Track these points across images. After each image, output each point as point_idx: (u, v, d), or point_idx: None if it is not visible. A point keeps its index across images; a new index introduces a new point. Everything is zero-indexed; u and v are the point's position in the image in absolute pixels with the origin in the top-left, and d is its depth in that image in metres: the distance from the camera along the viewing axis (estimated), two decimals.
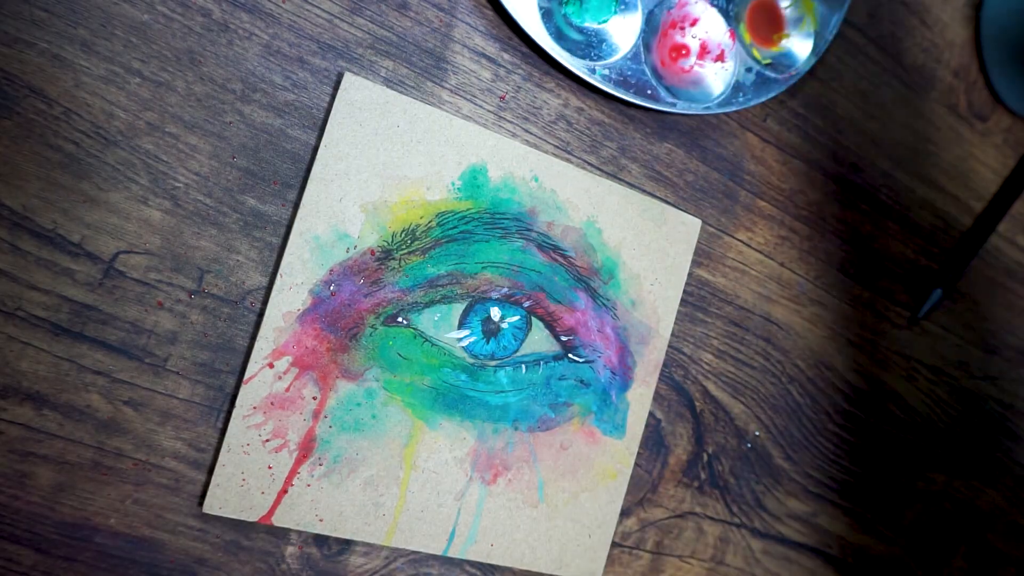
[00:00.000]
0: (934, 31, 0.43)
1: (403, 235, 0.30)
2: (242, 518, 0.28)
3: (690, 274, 0.37)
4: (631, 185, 0.35)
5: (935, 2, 0.43)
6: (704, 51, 0.35)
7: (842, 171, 0.41)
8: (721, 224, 0.37)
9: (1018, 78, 0.44)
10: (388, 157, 0.30)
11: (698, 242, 0.37)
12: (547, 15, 0.32)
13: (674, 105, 0.34)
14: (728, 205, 0.38)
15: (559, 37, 0.32)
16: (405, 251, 0.30)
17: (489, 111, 0.32)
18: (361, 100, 0.29)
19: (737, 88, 0.35)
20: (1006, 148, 0.47)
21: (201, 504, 0.28)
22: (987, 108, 0.46)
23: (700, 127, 0.37)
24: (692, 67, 0.35)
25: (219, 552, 0.28)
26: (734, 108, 0.35)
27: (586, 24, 0.33)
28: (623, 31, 0.33)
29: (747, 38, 0.36)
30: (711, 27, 0.35)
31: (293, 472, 0.29)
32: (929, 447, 0.46)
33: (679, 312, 0.36)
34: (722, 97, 0.35)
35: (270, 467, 0.28)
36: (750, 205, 0.38)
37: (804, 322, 0.40)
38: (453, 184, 0.31)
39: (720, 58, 0.35)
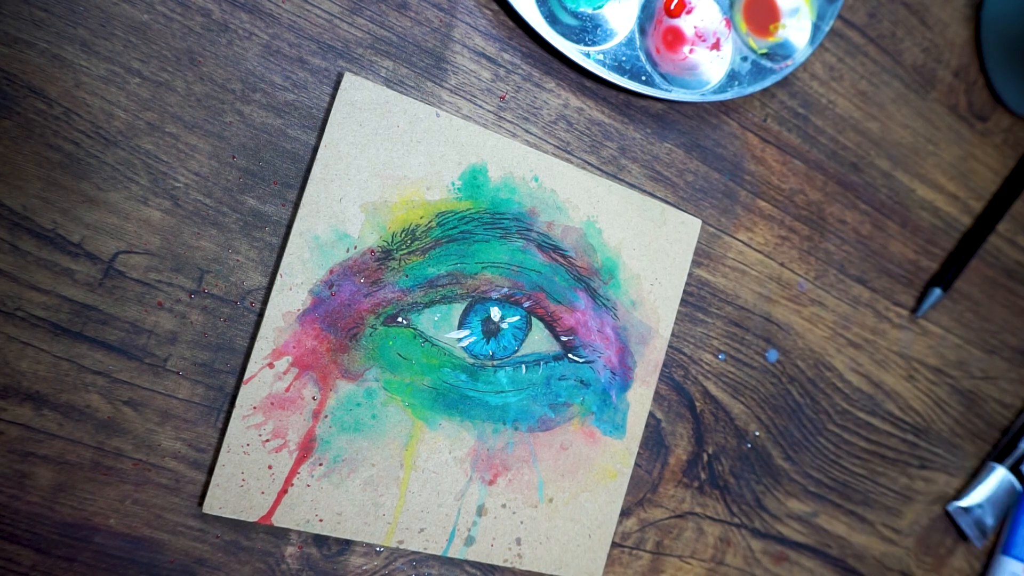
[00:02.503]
0: (934, 31, 0.43)
1: (403, 235, 0.30)
2: (242, 518, 0.28)
3: (690, 274, 0.37)
4: (631, 185, 0.35)
5: (935, 2, 0.43)
6: (699, 39, 0.35)
7: (842, 171, 0.41)
8: (721, 224, 0.37)
9: (1018, 78, 0.44)
10: (388, 157, 0.30)
11: (698, 242, 0.37)
12: (541, 0, 0.32)
13: (669, 92, 0.34)
14: (728, 205, 0.38)
15: (553, 21, 0.32)
16: (405, 251, 0.30)
17: (489, 111, 0.32)
18: (361, 100, 0.29)
19: (732, 77, 0.35)
20: (1006, 148, 0.47)
21: (201, 504, 0.28)
22: (987, 108, 0.46)
23: (700, 127, 0.37)
24: (687, 55, 0.35)
25: (219, 552, 0.28)
26: (729, 96, 0.35)
27: (581, 9, 0.33)
28: (618, 17, 0.33)
29: (743, 27, 0.36)
30: (707, 15, 0.35)
31: (293, 472, 0.29)
32: (929, 447, 0.46)
33: (679, 312, 0.36)
34: (717, 85, 0.35)
35: (270, 467, 0.28)
36: (750, 205, 0.38)
37: (804, 322, 0.40)
38: (453, 184, 0.31)
39: (715, 46, 0.35)
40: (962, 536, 0.47)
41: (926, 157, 0.44)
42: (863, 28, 0.41)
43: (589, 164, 0.34)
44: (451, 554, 0.31)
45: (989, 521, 0.46)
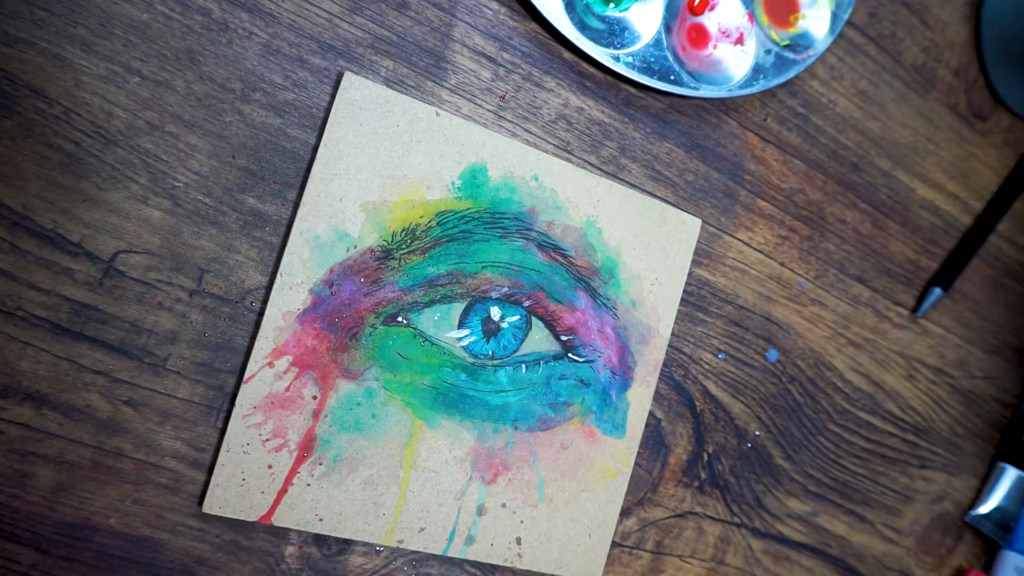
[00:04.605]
0: (934, 31, 0.43)
1: (403, 235, 0.30)
2: (242, 518, 0.28)
3: (690, 274, 0.37)
4: (631, 185, 0.35)
5: (935, 2, 0.43)
6: (723, 35, 0.35)
7: (842, 171, 0.41)
8: (721, 224, 0.37)
9: (1018, 78, 0.44)
10: (388, 157, 0.30)
11: (698, 242, 0.37)
12: (570, 5, 0.32)
13: (697, 89, 0.34)
14: (728, 205, 0.38)
15: (582, 27, 0.32)
16: (405, 251, 0.30)
17: (489, 111, 0.32)
18: (361, 100, 0.29)
19: (757, 70, 0.36)
20: (1006, 148, 0.47)
21: (201, 504, 0.28)
22: (987, 108, 0.46)
23: (700, 127, 0.37)
24: (712, 51, 0.35)
25: (219, 552, 0.28)
26: (756, 90, 0.35)
27: (608, 13, 0.33)
28: (644, 18, 0.33)
29: (764, 20, 0.36)
30: (730, 10, 0.35)
31: (293, 472, 0.29)
32: (929, 447, 0.46)
33: (679, 312, 0.36)
34: (743, 79, 0.35)
35: (270, 467, 0.28)
36: (750, 205, 0.38)
37: (804, 322, 0.40)
38: (453, 184, 0.31)
39: (739, 41, 0.35)
40: (989, 541, 0.48)
41: (926, 156, 0.44)
42: (863, 28, 0.41)
43: (589, 164, 0.34)
44: (451, 554, 0.31)
45: (1011, 521, 0.47)
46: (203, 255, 0.28)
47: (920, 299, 0.44)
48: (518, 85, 0.33)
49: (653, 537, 0.37)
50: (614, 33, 0.33)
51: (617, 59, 0.33)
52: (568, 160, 0.34)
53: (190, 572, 0.28)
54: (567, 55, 0.33)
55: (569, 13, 0.32)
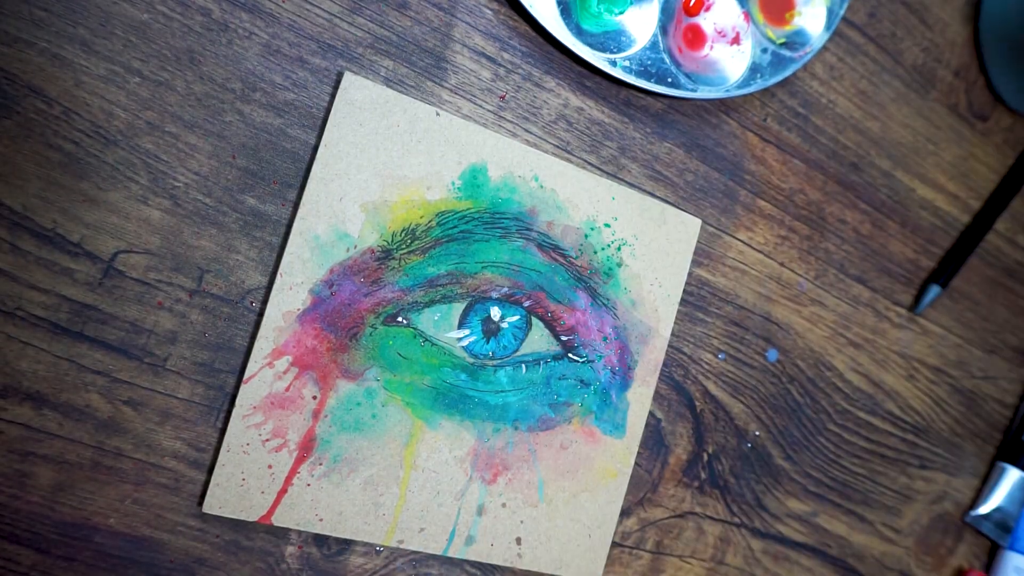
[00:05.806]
0: (934, 31, 0.43)
1: (403, 235, 0.30)
2: (242, 518, 0.28)
3: (690, 274, 0.37)
4: (631, 185, 0.35)
5: (935, 2, 0.43)
6: (720, 35, 0.35)
7: (842, 171, 0.41)
8: (721, 224, 0.37)
9: (1018, 77, 0.44)
10: (388, 157, 0.30)
11: (698, 242, 0.37)
12: (565, 11, 0.32)
13: (694, 91, 0.34)
14: (728, 205, 0.38)
15: (579, 32, 0.32)
16: (405, 251, 0.30)
17: (489, 111, 0.32)
18: (361, 100, 0.29)
19: (754, 70, 0.36)
20: (1006, 147, 0.47)
21: (201, 504, 0.28)
22: (987, 107, 0.46)
23: (700, 127, 0.37)
24: (709, 52, 0.35)
25: (219, 552, 0.28)
26: (754, 89, 0.35)
27: (605, 17, 0.33)
28: (640, 22, 0.33)
29: (760, 19, 0.36)
30: (725, 10, 0.35)
31: (293, 472, 0.29)
32: (929, 447, 0.46)
33: (679, 312, 0.36)
34: (741, 79, 0.35)
35: (270, 467, 0.28)
36: (750, 205, 0.38)
37: (804, 322, 0.40)
38: (453, 184, 0.31)
39: (735, 41, 0.35)
40: (989, 541, 0.48)
41: (926, 157, 0.44)
42: (863, 28, 0.41)
43: (589, 164, 0.34)
44: (451, 554, 0.31)
45: (1011, 522, 0.47)
46: (203, 255, 0.28)
47: (918, 297, 0.44)
48: (518, 85, 0.33)
49: (653, 537, 0.37)
50: (611, 37, 0.33)
51: (614, 63, 0.33)
52: (568, 160, 0.34)
53: (190, 572, 0.28)
54: (566, 56, 0.33)
55: (566, 21, 0.32)
